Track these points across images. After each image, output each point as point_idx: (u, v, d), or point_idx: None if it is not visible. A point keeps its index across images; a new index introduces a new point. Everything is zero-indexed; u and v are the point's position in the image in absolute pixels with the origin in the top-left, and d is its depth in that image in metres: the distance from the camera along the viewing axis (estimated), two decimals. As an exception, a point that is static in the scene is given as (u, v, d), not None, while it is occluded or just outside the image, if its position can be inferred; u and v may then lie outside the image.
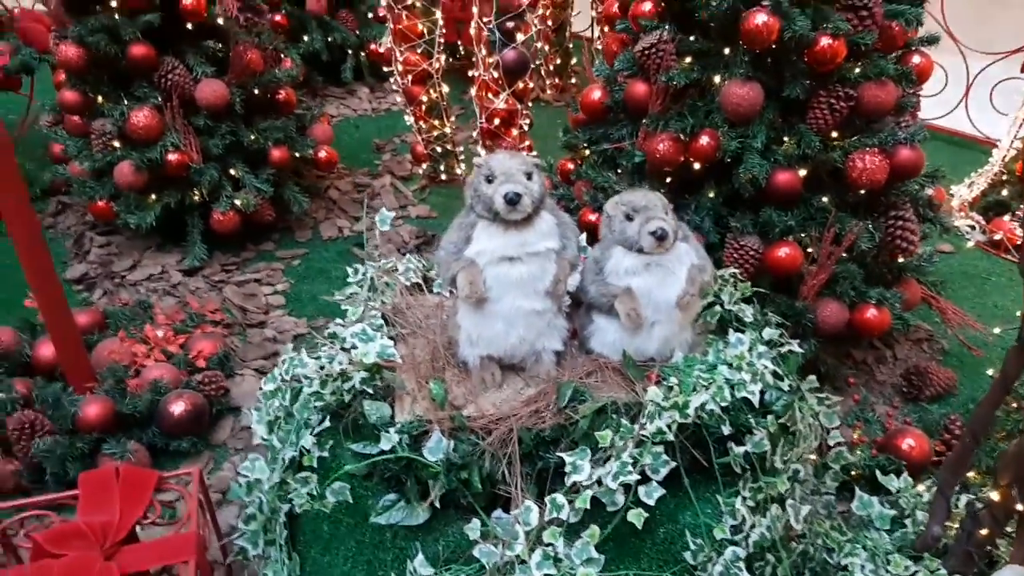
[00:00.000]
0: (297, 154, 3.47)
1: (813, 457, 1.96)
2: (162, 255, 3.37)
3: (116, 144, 3.14)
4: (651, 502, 1.61)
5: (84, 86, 3.18)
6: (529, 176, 1.66)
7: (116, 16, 3.02)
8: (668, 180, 2.49)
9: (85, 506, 1.68)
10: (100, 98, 3.17)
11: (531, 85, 3.21)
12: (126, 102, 3.12)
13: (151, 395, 2.40)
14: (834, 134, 2.31)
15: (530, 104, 3.30)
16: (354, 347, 1.77)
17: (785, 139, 2.29)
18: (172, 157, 3.10)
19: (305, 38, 4.78)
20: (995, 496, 1.70)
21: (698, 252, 1.79)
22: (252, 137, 3.27)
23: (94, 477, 1.74)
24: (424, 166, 3.94)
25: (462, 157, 3.94)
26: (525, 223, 1.67)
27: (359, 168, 4.13)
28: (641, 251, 1.72)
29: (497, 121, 3.28)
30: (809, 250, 2.35)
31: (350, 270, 2.03)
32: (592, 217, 2.63)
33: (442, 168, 3.94)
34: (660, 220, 1.69)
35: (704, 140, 2.32)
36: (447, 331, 1.86)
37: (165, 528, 1.82)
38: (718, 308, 1.91)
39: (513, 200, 1.60)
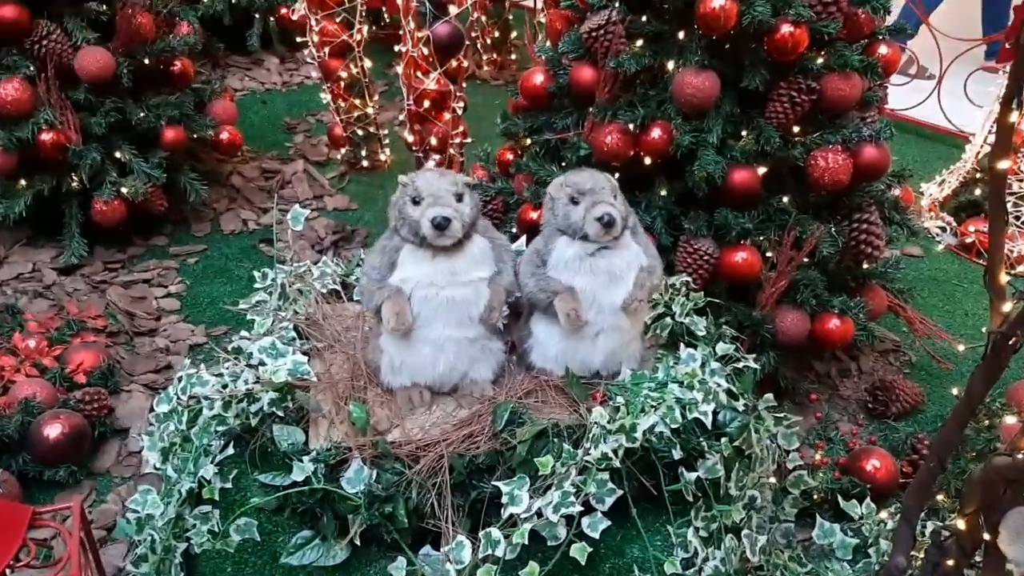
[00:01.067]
0: (194, 135, 3.41)
1: (771, 481, 2.03)
2: (34, 251, 3.28)
3: (-22, 120, 3.04)
4: (595, 535, 1.66)
5: (-61, 51, 3.07)
6: (460, 198, 1.73)
7: (-22, -30, 2.93)
8: (616, 176, 2.47)
9: (-57, 549, 1.63)
10: (-42, 66, 3.07)
11: (465, 63, 3.24)
12: (-9, 72, 3.03)
13: (22, 416, 2.34)
14: (795, 129, 2.37)
15: (464, 84, 3.33)
16: (262, 363, 1.78)
17: (743, 134, 2.36)
18: (46, 137, 3.02)
19: (205, 0, 4.69)
20: (961, 524, 1.80)
21: (647, 252, 1.85)
22: (141, 115, 3.21)
23: (-47, 515, 1.69)
24: (343, 151, 3.92)
25: (386, 141, 3.94)
26: (455, 249, 1.73)
27: (267, 151, 4.08)
28: (586, 239, 1.76)
29: (427, 103, 3.29)
30: (768, 255, 2.42)
31: (257, 275, 2.02)
32: (533, 215, 2.66)
33: (363, 153, 3.93)
34: (607, 205, 1.75)
35: (656, 133, 2.36)
36: (367, 352, 1.88)
37: (40, 572, 1.79)
38: (669, 320, 1.97)
39: (442, 225, 1.66)
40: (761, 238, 2.42)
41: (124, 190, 3.15)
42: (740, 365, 1.92)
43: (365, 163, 3.97)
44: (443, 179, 1.72)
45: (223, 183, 3.76)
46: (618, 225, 1.74)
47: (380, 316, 1.75)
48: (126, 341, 2.89)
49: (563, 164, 2.68)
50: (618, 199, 1.79)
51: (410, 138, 3.38)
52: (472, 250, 1.75)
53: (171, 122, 3.30)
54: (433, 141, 3.35)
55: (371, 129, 3.85)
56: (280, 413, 1.74)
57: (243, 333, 1.91)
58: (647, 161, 2.42)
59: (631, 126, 2.40)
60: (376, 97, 3.84)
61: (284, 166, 3.97)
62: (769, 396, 1.99)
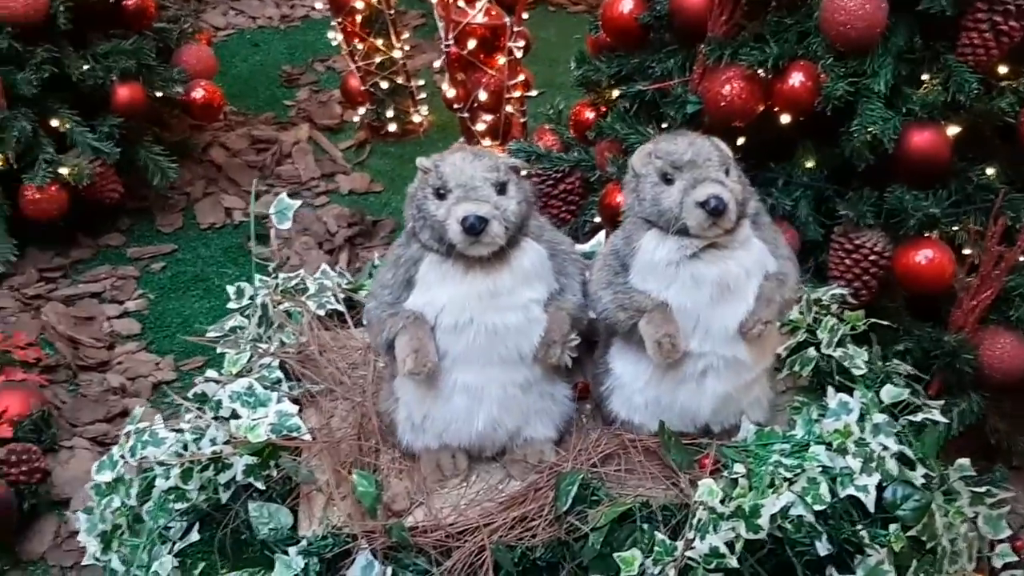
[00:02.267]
0: (158, 93, 3.47)
1: (968, 586, 1.97)
2: (-57, 256, 3.37)
3: None
4: (705, 664, 1.63)
5: None
6: (502, 188, 1.69)
7: None
8: (740, 141, 2.50)
9: None
10: None
11: (528, -17, 3.25)
12: None
13: (-76, 483, 2.40)
14: (1002, 69, 2.31)
15: (526, 14, 3.32)
16: (235, 415, 1.78)
17: (924, 78, 2.31)
18: (-45, 102, 3.10)
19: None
20: None
21: (777, 251, 1.80)
22: (85, 67, 3.27)
23: None
24: (361, 111, 3.95)
25: (422, 97, 3.95)
26: (497, 260, 1.70)
27: (259, 113, 4.14)
28: (685, 233, 1.72)
29: (473, 43, 3.28)
30: (966, 252, 2.37)
31: (231, 290, 2.04)
32: (621, 199, 2.64)
33: (390, 114, 3.94)
34: (715, 184, 1.69)
35: (796, 79, 2.34)
36: (380, 401, 1.88)
37: None
38: (813, 352, 1.92)
39: (475, 228, 1.62)
40: (954, 228, 2.38)
41: (64, 171, 3.21)
42: (920, 417, 1.86)
43: (392, 127, 3.98)
44: (478, 163, 1.69)
45: (199, 159, 3.82)
46: (731, 213, 1.68)
47: (393, 354, 1.73)
48: (68, 379, 2.95)
49: (663, 126, 2.65)
50: (731, 175, 1.74)
51: (450, 92, 3.38)
52: (522, 261, 1.73)
53: (125, 77, 3.35)
54: (482, 96, 3.34)
55: (399, 80, 3.86)
56: (259, 485, 1.73)
57: (211, 372, 1.92)
58: (784, 120, 2.40)
59: (760, 70, 2.38)
60: (406, 35, 3.86)
61: (282, 133, 4.01)
62: (964, 462, 1.92)
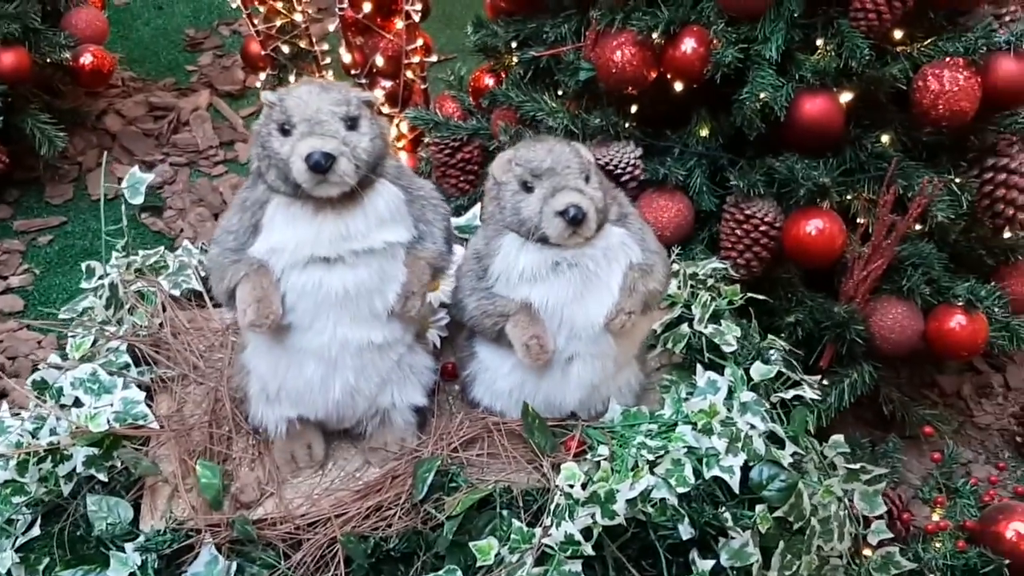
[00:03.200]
0: (46, 59, 3.40)
1: (842, 565, 1.97)
2: None
3: None
4: (558, 654, 1.63)
5: None
6: (352, 123, 1.63)
7: None
8: (634, 108, 2.49)
9: None
10: None
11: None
12: None
13: None
14: (896, 35, 2.31)
15: (426, -27, 3.28)
16: (77, 403, 1.74)
17: (818, 43, 2.30)
18: None
19: None
20: None
21: (643, 242, 1.79)
22: (-39, 31, 3.20)
23: None
24: (263, 76, 3.87)
25: (327, 62, 3.88)
26: (348, 200, 1.64)
27: (159, 79, 4.07)
28: (545, 241, 1.71)
29: (369, 6, 3.25)
30: (859, 221, 2.37)
31: (84, 268, 1.99)
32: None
33: (291, 79, 3.84)
34: (574, 192, 1.68)
35: (688, 46, 2.32)
36: (233, 375, 1.84)
37: None
38: (686, 329, 1.92)
39: (320, 165, 1.56)
40: (847, 197, 2.38)
41: (-61, 142, 3.15)
42: (792, 394, 1.86)
43: (296, 92, 3.91)
44: (326, 96, 1.62)
45: (92, 127, 3.75)
46: (591, 222, 1.67)
47: (234, 304, 1.67)
48: (-59, 360, 2.90)
49: (559, 93, 2.64)
50: (591, 182, 1.73)
51: (347, 58, 3.34)
52: (376, 203, 1.67)
53: (8, 41, 3.28)
54: (380, 61, 3.29)
55: (302, 44, 3.80)
56: (102, 477, 1.70)
57: (52, 358, 1.87)
58: (677, 87, 2.38)
59: (652, 35, 2.35)
60: (308, -1, 3.80)
61: (182, 100, 3.96)
62: (838, 438, 1.94)
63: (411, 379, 1.80)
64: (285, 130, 1.61)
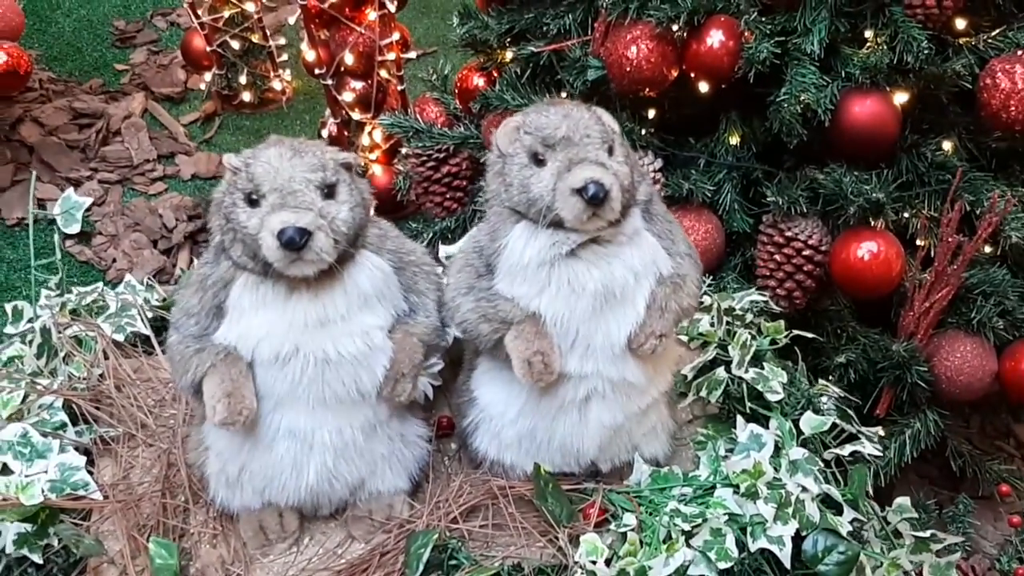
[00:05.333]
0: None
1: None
2: None
3: None
4: None
5: None
6: (329, 191, 1.63)
7: None
8: (651, 113, 2.47)
9: None
10: None
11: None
12: None
13: None
14: (958, 24, 2.29)
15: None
16: (5, 471, 1.71)
17: (866, 35, 2.29)
18: None
19: None
20: None
21: (673, 248, 1.75)
22: None
23: None
24: (208, 76, 3.87)
25: (283, 58, 3.89)
26: (326, 277, 1.64)
27: (84, 81, 4.05)
28: (560, 226, 1.66)
29: (336, -8, 3.21)
30: (919, 243, 2.34)
31: (8, 309, 1.96)
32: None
33: (243, 80, 3.89)
34: (595, 166, 1.62)
35: (714, 39, 2.30)
36: (188, 450, 1.81)
37: None
38: (722, 373, 1.88)
39: (295, 243, 1.55)
40: (905, 215, 2.34)
41: None
42: (849, 451, 1.83)
43: (247, 96, 3.94)
44: (298, 161, 1.63)
45: (5, 138, 3.71)
46: (614, 202, 1.62)
47: (201, 399, 1.67)
48: None
49: (563, 95, 2.59)
50: (616, 154, 1.68)
51: (310, 55, 3.31)
52: (358, 280, 1.68)
53: (-90, 40, 3.25)
54: (349, 58, 3.27)
55: (254, 39, 3.81)
56: (35, 558, 1.67)
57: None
58: (702, 88, 2.36)
59: (673, 27, 2.33)
60: (262, -13, 3.82)
61: (111, 105, 3.92)
62: (904, 501, 1.90)
63: (400, 454, 1.81)
64: (252, 200, 1.61)
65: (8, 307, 2.01)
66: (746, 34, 2.28)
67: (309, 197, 1.60)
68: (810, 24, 2.27)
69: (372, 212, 1.75)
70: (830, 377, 2.17)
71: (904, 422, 2.33)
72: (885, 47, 2.27)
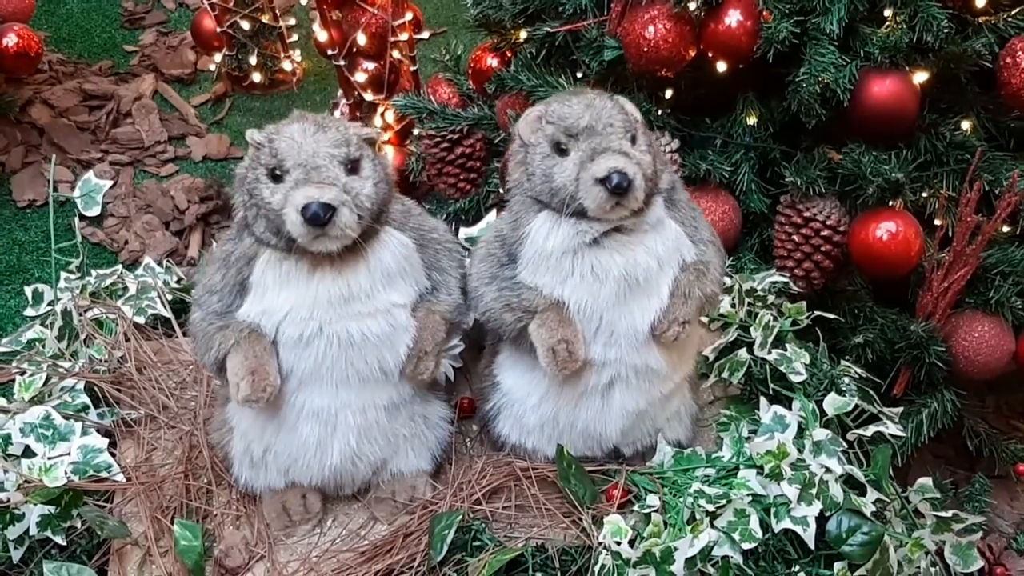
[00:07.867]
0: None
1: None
2: None
3: None
4: None
5: None
6: (353, 166, 1.65)
7: None
8: (668, 94, 2.49)
9: None
10: None
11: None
12: None
13: None
14: (978, 2, 2.30)
15: (415, -63, 3.29)
16: (28, 453, 1.72)
17: (885, 14, 2.30)
18: None
19: None
20: None
21: (696, 234, 1.79)
22: None
23: None
24: (219, 57, 3.88)
25: (294, 39, 3.89)
26: (350, 254, 1.66)
27: (93, 62, 4.04)
28: (583, 215, 1.69)
29: (350, -27, 3.24)
30: (937, 223, 2.36)
31: (28, 292, 1.98)
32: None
33: (254, 61, 3.89)
34: (618, 155, 1.65)
35: (733, 19, 2.31)
36: (211, 430, 1.84)
37: None
38: (744, 354, 1.91)
39: (320, 218, 1.57)
40: (924, 195, 2.37)
41: None
42: (872, 431, 1.85)
43: (257, 77, 3.94)
44: (322, 136, 1.65)
45: (16, 120, 3.73)
46: (637, 191, 1.65)
47: (225, 376, 1.68)
48: None
49: (579, 76, 2.63)
50: (639, 144, 1.71)
51: (322, 35, 3.32)
52: (381, 256, 1.70)
53: (-85, 21, 3.28)
54: (362, 39, 3.29)
55: (264, 19, 3.80)
56: (59, 540, 1.68)
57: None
58: (720, 68, 2.37)
59: (690, 6, 2.34)
60: (272, -37, 3.81)
61: (121, 87, 3.93)
62: (926, 482, 1.92)
63: (423, 435, 1.82)
64: (276, 176, 1.63)
65: (28, 290, 2.05)
66: (764, 13, 2.30)
67: (333, 172, 1.62)
68: (829, 3, 2.28)
69: (393, 189, 1.75)
70: (847, 357, 2.18)
71: (921, 402, 2.35)
72: (904, 26, 2.28)
